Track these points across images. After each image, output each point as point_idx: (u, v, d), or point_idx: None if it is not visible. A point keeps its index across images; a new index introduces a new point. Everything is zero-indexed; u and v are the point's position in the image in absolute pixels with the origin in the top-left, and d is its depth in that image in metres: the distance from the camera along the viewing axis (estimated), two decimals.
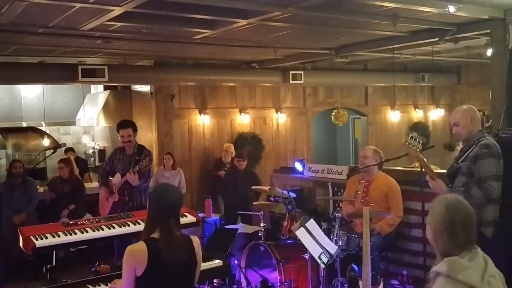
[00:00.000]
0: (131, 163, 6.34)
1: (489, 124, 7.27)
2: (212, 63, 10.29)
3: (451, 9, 5.76)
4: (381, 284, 4.99)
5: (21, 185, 7.99)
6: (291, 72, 10.57)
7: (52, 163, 9.47)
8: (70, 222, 4.69)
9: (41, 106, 11.86)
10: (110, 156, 6.80)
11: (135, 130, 6.51)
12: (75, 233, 4.45)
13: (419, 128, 13.29)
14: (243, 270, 6.14)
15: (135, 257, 3.26)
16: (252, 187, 7.77)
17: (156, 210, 3.40)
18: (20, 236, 4.41)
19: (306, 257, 5.43)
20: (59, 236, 4.39)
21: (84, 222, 4.68)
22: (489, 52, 7.60)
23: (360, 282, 4.92)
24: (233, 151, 9.81)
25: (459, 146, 10.38)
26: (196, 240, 3.56)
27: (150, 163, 6.27)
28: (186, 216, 4.94)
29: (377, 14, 6.42)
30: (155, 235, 3.35)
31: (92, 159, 12.28)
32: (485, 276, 2.52)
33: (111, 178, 6.48)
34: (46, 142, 10.89)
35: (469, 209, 2.68)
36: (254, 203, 7.40)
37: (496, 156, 4.53)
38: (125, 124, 6.55)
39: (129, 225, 4.73)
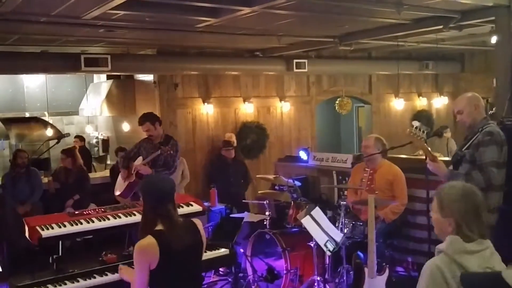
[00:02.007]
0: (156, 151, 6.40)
1: (493, 111, 7.26)
2: (215, 52, 10.24)
3: None
4: (387, 271, 5.00)
5: (25, 175, 7.99)
6: (294, 61, 10.51)
7: (56, 153, 9.48)
8: (76, 212, 4.69)
9: (44, 96, 11.82)
10: (138, 142, 6.89)
11: (154, 122, 6.61)
12: (81, 223, 4.46)
13: (423, 116, 13.26)
14: (249, 258, 6.16)
15: (148, 253, 3.26)
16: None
17: (153, 201, 3.41)
18: (26, 226, 4.41)
19: (312, 245, 5.45)
20: (65, 226, 4.40)
21: (90, 212, 4.69)
22: (494, 39, 7.57)
23: (366, 269, 4.94)
24: (235, 141, 9.79)
25: (448, 133, 10.52)
26: (199, 222, 3.61)
27: (174, 151, 6.30)
28: (192, 205, 4.95)
29: (382, 2, 6.38)
30: (159, 227, 3.36)
31: (96, 149, 12.29)
32: (484, 265, 2.50)
33: (133, 162, 6.56)
34: (49, 132, 10.88)
35: (482, 199, 2.67)
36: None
37: (499, 144, 4.55)
38: (141, 121, 6.67)
39: (135, 215, 4.73)
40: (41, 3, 5.82)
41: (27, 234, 4.41)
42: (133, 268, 3.54)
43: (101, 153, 12.23)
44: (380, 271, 4.95)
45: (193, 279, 3.52)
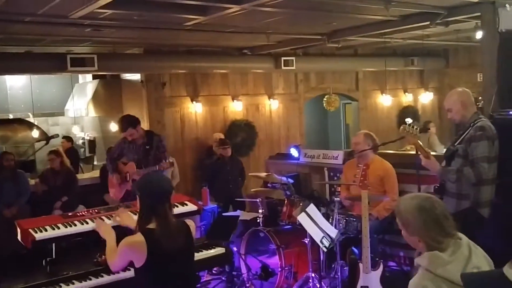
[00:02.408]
0: (143, 152, 6.35)
1: (478, 105, 7.33)
2: (203, 50, 10.19)
3: None
4: (381, 266, 5.01)
5: (11, 178, 7.86)
6: (282, 58, 10.52)
7: (42, 155, 9.36)
8: (69, 214, 4.63)
9: (28, 97, 11.67)
10: (119, 142, 6.75)
11: (135, 126, 6.48)
12: (75, 225, 4.40)
13: (409, 112, 13.38)
14: (243, 256, 6.14)
15: (133, 250, 3.27)
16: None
17: (150, 199, 3.39)
18: (18, 229, 4.34)
19: (306, 241, 5.44)
20: (58, 228, 4.33)
21: (83, 213, 4.63)
22: (478, 35, 7.65)
23: (360, 265, 4.94)
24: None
25: (433, 128, 10.60)
26: (191, 224, 3.60)
27: (164, 150, 6.24)
28: (187, 204, 4.91)
29: None
30: (152, 225, 3.34)
31: (82, 150, 12.17)
32: (467, 268, 2.52)
33: (123, 164, 6.47)
34: (35, 133, 10.77)
35: (440, 203, 2.71)
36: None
37: (490, 138, 4.62)
38: (124, 127, 6.50)
39: None
40: (27, 2, 5.73)
41: (19, 237, 4.33)
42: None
43: (87, 154, 12.11)
44: (374, 266, 4.96)
45: (185, 279, 3.49)
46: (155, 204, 3.36)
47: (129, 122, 6.54)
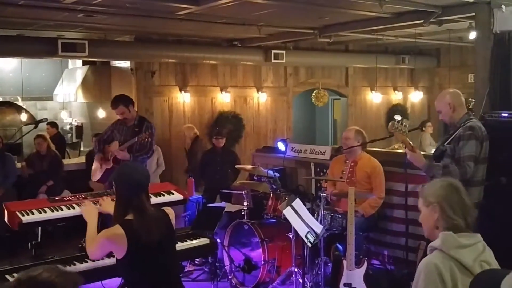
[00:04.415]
0: (131, 134, 6.28)
1: (470, 107, 7.35)
2: (194, 40, 10.18)
3: None
4: (365, 263, 5.02)
5: None
6: (273, 51, 10.53)
7: (28, 138, 9.32)
8: (56, 198, 4.61)
9: (18, 81, 11.60)
10: (111, 125, 6.70)
11: (127, 104, 6.42)
12: (62, 209, 4.38)
13: (398, 110, 13.38)
14: (226, 248, 6.14)
15: (113, 242, 3.28)
16: (236, 166, 7.76)
17: (127, 191, 3.39)
18: (6, 211, 4.33)
19: (290, 236, 5.46)
20: (45, 212, 4.32)
21: (70, 198, 4.61)
22: (472, 35, 7.67)
23: (344, 262, 4.97)
24: (197, 132, 9.56)
25: (430, 128, 10.67)
26: (171, 212, 3.61)
27: (151, 137, 6.19)
28: (173, 193, 4.90)
29: None
30: (130, 216, 3.33)
31: (69, 135, 12.13)
32: (479, 259, 2.53)
33: (109, 146, 6.42)
34: (23, 117, 10.72)
35: (464, 189, 2.72)
36: (237, 181, 7.39)
37: (479, 139, 4.62)
38: (114, 104, 6.45)
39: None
40: None
41: (6, 219, 4.32)
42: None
43: (74, 140, 12.08)
44: (358, 263, 4.98)
45: (167, 269, 3.49)
46: (131, 195, 3.36)
47: (121, 99, 6.50)
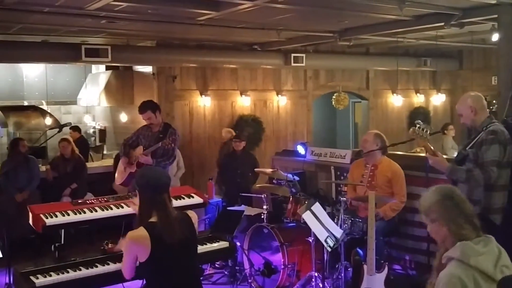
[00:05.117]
0: (156, 139, 6.37)
1: (492, 109, 7.26)
2: (214, 45, 10.25)
3: None
4: (386, 268, 5.00)
5: (24, 163, 7.96)
6: (292, 55, 10.53)
7: (53, 142, 9.49)
8: (79, 201, 4.70)
9: (43, 85, 11.84)
10: (137, 130, 6.82)
11: (154, 110, 6.53)
12: (85, 212, 4.47)
13: (420, 113, 13.29)
14: (246, 252, 6.17)
15: (138, 244, 3.31)
16: (255, 169, 7.79)
17: (149, 193, 3.44)
18: (30, 214, 4.42)
19: (310, 240, 5.45)
20: (68, 214, 4.41)
21: (93, 201, 4.69)
22: (494, 37, 7.56)
23: (365, 266, 4.94)
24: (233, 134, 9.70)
25: (452, 131, 10.58)
26: (193, 215, 3.64)
27: (174, 143, 6.29)
28: (193, 196, 4.96)
29: None
30: (153, 219, 3.38)
31: (93, 138, 12.30)
32: (499, 264, 2.52)
33: (133, 150, 6.54)
34: (48, 121, 10.90)
35: (458, 190, 2.78)
36: (257, 185, 7.41)
37: (502, 143, 4.52)
38: (142, 109, 6.55)
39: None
40: None
41: (30, 222, 4.42)
42: None
43: (98, 143, 12.24)
44: (379, 268, 4.95)
45: (189, 271, 3.54)
46: (154, 197, 3.41)
47: (149, 105, 6.61)
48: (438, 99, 13.40)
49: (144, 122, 6.69)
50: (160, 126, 6.59)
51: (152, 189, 3.43)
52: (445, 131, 10.45)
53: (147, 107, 6.56)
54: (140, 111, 6.59)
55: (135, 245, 3.33)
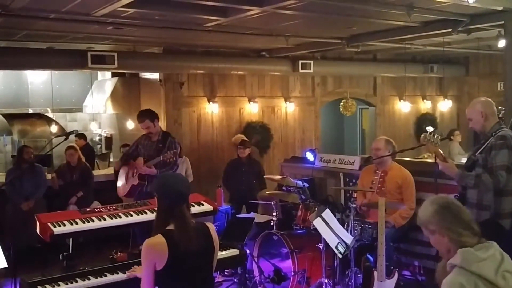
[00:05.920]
0: (155, 149, 6.36)
1: (500, 115, 7.23)
2: (221, 51, 10.23)
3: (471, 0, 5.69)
4: (396, 275, 4.97)
5: (29, 171, 7.92)
6: (300, 61, 10.50)
7: (58, 150, 9.47)
8: (87, 210, 4.67)
9: (48, 93, 11.81)
10: (136, 140, 6.82)
11: (153, 119, 6.53)
12: (93, 221, 4.44)
13: (427, 119, 13.27)
14: (256, 259, 6.13)
15: (156, 251, 3.24)
16: (265, 176, 7.75)
17: (168, 200, 3.37)
18: (38, 222, 4.39)
19: (320, 247, 5.42)
20: (77, 223, 4.38)
21: (101, 209, 4.66)
22: (501, 43, 7.57)
23: (375, 273, 4.92)
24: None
25: (456, 136, 10.54)
26: (212, 227, 3.56)
27: (175, 156, 6.25)
28: (203, 204, 4.93)
29: (392, 4, 6.38)
30: (171, 226, 3.33)
31: (99, 146, 12.26)
32: (500, 269, 2.52)
33: (133, 161, 6.50)
34: (53, 128, 10.87)
35: (454, 199, 2.79)
36: (266, 192, 7.37)
37: (511, 148, 4.56)
38: (140, 118, 6.56)
39: (146, 213, 4.70)
40: (52, 0, 5.80)
41: (38, 231, 4.38)
42: None
43: (104, 151, 12.20)
44: (389, 274, 4.93)
45: (203, 281, 3.48)
46: (172, 206, 3.34)
47: (147, 114, 6.61)
48: (444, 105, 13.34)
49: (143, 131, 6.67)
50: (159, 135, 6.56)
51: (171, 197, 3.37)
52: (452, 137, 10.43)
53: (145, 116, 6.53)
54: (138, 120, 6.59)
55: (153, 252, 3.25)
